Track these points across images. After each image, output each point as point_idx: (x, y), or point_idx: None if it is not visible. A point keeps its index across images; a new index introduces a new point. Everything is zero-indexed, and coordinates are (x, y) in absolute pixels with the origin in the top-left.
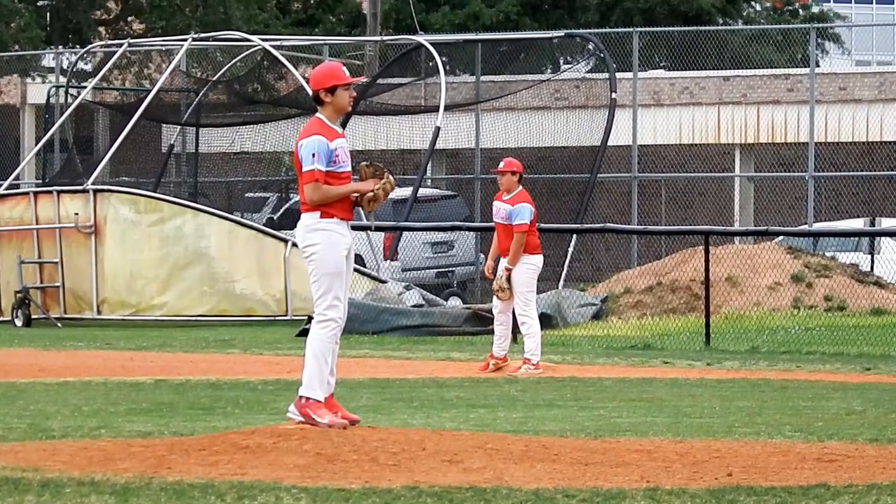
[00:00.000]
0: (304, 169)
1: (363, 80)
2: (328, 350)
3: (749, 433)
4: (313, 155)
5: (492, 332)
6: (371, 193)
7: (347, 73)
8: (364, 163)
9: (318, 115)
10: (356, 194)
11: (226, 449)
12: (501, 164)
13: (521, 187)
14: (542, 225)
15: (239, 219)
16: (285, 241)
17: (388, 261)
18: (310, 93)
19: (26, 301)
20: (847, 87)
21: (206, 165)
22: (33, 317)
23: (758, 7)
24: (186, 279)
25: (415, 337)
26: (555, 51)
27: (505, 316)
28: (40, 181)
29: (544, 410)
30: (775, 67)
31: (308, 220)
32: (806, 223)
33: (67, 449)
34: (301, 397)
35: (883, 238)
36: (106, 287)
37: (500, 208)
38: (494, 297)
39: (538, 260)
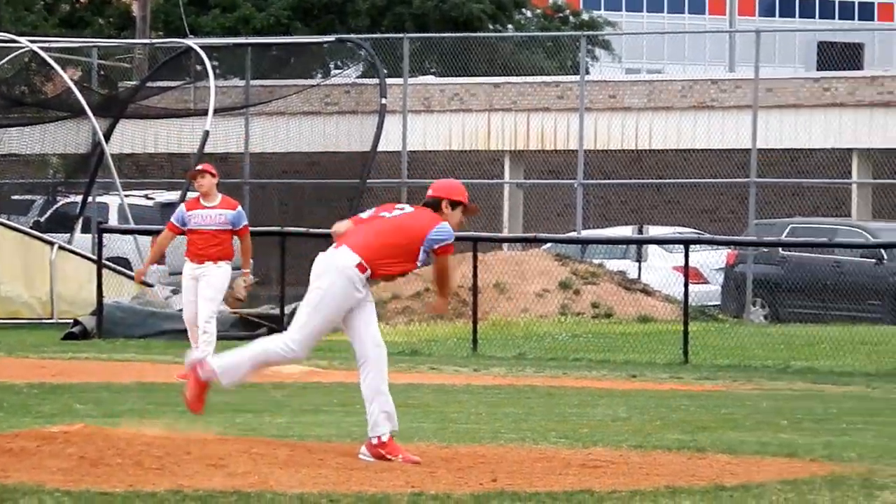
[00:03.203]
0: None
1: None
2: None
3: (515, 439)
4: None
5: (258, 336)
6: None
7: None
8: None
9: None
10: None
11: None
12: (199, 167)
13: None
14: (311, 230)
15: (5, 221)
16: (52, 243)
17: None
18: (79, 96)
19: None
20: (617, 95)
21: None
22: None
23: (528, 14)
24: None
25: (181, 341)
26: (326, 55)
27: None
28: None
29: (311, 416)
30: (546, 74)
31: None
32: (574, 230)
33: None
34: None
35: (650, 246)
36: None
37: (218, 215)
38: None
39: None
